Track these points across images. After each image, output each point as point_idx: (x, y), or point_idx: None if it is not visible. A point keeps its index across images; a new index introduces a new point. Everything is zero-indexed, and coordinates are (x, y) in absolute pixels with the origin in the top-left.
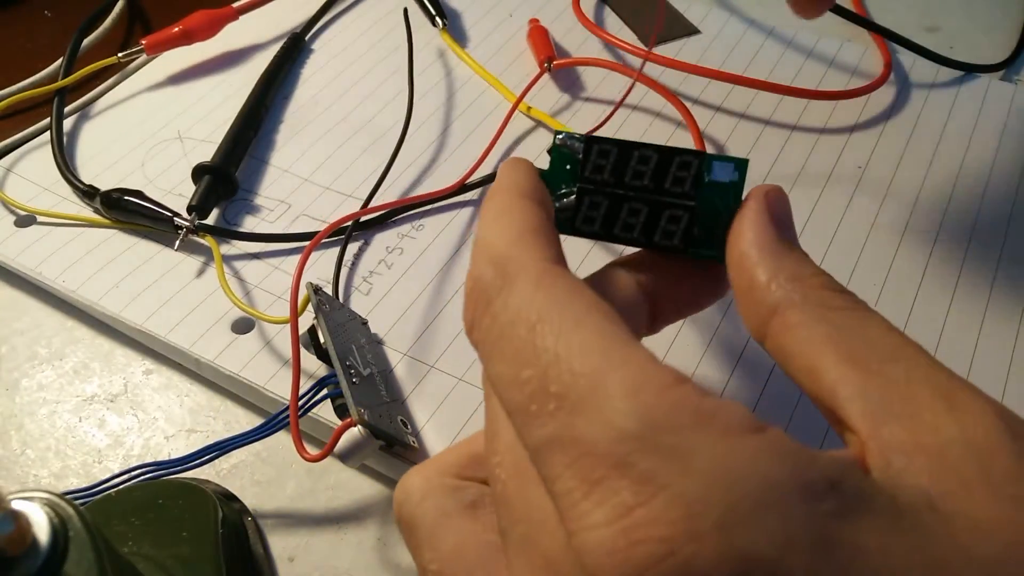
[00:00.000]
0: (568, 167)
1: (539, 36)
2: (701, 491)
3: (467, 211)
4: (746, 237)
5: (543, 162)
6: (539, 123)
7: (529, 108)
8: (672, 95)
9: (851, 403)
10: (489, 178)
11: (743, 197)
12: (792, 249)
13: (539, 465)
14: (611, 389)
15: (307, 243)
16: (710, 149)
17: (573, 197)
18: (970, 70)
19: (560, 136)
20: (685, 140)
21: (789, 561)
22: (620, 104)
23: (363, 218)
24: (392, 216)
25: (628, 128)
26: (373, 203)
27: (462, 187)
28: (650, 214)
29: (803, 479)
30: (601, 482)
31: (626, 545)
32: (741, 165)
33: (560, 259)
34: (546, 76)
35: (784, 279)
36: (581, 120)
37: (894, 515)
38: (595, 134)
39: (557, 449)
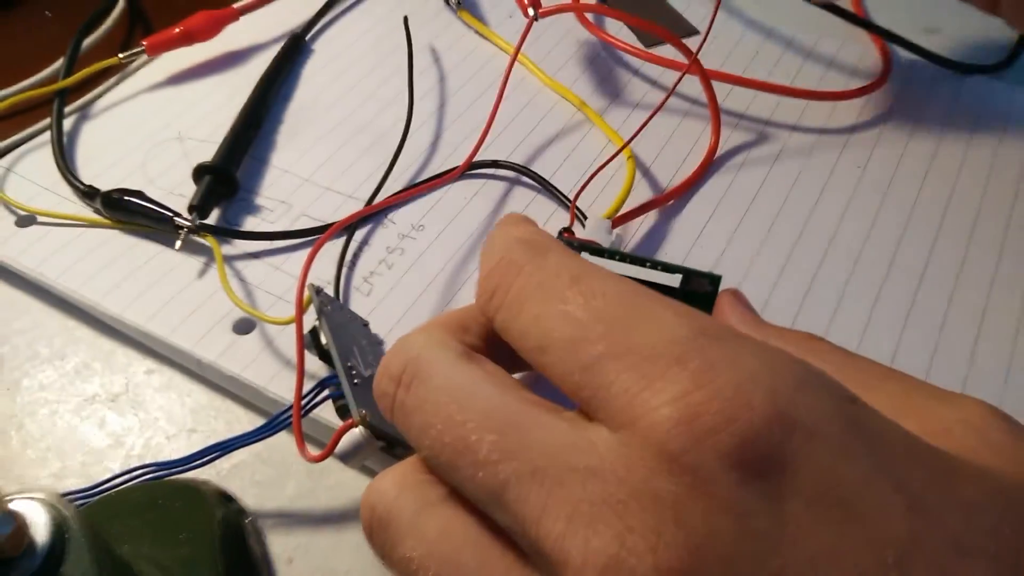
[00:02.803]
0: None
1: None
2: (749, 376)
3: (468, 210)
4: (729, 319)
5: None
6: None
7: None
8: (680, 44)
9: None
10: (493, 163)
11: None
12: (767, 322)
13: (589, 379)
14: (662, 313)
15: (309, 240)
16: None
17: None
18: (969, 71)
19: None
20: (695, 85)
21: (826, 428)
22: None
23: (370, 212)
24: (401, 205)
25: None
26: (376, 203)
27: (472, 165)
28: None
29: (832, 385)
30: (661, 376)
31: (690, 417)
32: (715, 280)
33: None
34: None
35: (774, 342)
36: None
37: (909, 431)
38: (587, 258)
39: (611, 360)
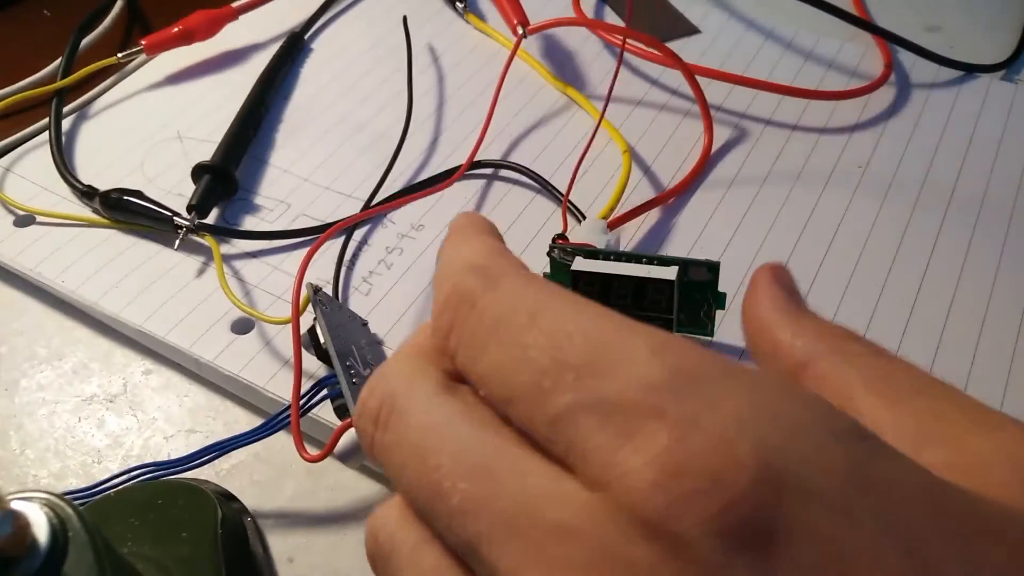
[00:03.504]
0: (565, 274)
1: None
2: (735, 426)
3: (467, 210)
4: (763, 305)
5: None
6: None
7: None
8: (670, 55)
9: (889, 436)
10: (493, 164)
11: (719, 287)
12: (806, 310)
13: (560, 434)
14: (635, 350)
15: (308, 239)
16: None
17: None
18: (970, 70)
19: (554, 251)
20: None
21: (825, 483)
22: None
23: (368, 216)
24: (399, 206)
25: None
26: (375, 203)
27: (473, 164)
28: None
29: (834, 423)
30: (637, 431)
31: (667, 477)
32: (714, 267)
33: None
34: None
35: (808, 336)
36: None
37: (930, 473)
38: (581, 264)
39: (582, 412)
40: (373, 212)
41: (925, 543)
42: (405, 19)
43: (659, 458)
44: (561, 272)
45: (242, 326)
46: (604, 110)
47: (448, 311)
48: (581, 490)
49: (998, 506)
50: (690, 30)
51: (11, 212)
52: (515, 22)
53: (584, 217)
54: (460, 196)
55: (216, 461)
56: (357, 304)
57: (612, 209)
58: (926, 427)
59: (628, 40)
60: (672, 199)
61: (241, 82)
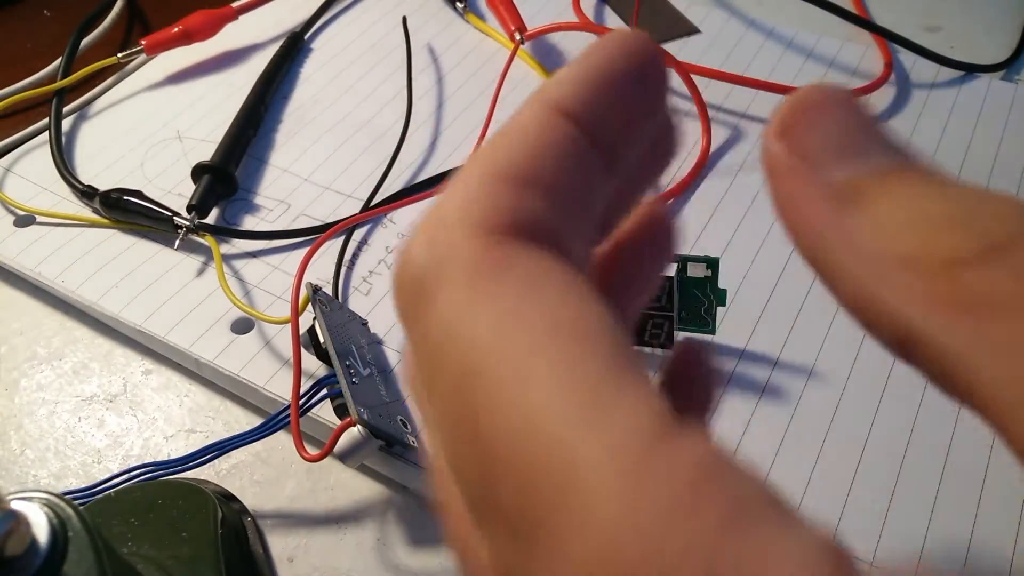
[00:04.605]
0: None
1: (505, 4)
2: None
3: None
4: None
5: None
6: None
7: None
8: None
9: None
10: None
11: (720, 284)
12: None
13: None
14: (588, 482)
15: (308, 239)
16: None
17: None
18: (971, 70)
19: None
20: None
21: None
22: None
23: (368, 217)
24: (399, 206)
25: None
26: (374, 203)
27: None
28: (637, 324)
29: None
30: None
31: None
32: (713, 263)
33: (539, 220)
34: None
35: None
36: None
37: None
38: None
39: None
40: (373, 212)
41: None
42: (404, 19)
43: None
44: None
45: (242, 326)
46: None
47: (398, 295)
48: None
49: None
50: (690, 30)
51: (11, 212)
52: (512, 28)
53: None
54: None
55: (216, 461)
56: (357, 304)
57: None
58: None
59: None
60: (672, 199)
61: (241, 82)
